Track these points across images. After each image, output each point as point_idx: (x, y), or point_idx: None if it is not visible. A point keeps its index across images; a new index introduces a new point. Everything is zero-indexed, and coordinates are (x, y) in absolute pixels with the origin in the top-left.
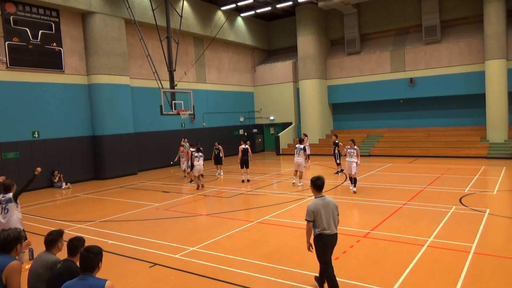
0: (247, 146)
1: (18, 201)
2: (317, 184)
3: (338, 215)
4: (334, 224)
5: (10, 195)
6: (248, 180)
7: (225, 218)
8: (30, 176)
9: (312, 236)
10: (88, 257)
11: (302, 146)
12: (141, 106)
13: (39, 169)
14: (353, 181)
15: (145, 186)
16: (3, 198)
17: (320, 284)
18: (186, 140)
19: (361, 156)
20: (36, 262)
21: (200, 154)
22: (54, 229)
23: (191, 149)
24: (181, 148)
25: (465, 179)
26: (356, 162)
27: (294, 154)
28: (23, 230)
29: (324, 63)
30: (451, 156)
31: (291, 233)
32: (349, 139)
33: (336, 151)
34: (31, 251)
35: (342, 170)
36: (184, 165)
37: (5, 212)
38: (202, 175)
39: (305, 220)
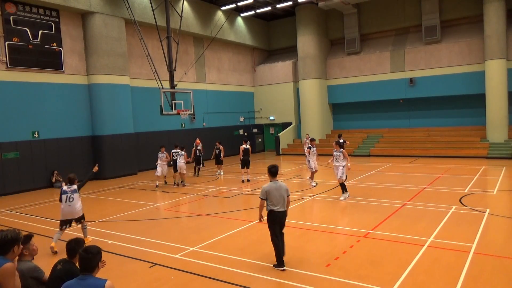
0: (248, 146)
1: (80, 192)
2: (272, 171)
3: (288, 196)
4: (283, 204)
5: (75, 186)
6: (248, 180)
7: (225, 218)
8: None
9: (266, 212)
10: (87, 258)
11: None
12: (141, 106)
13: (96, 168)
14: (343, 188)
15: (145, 186)
16: (69, 189)
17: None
18: (198, 141)
19: (361, 156)
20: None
21: (182, 152)
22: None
23: (173, 151)
24: (197, 141)
25: (465, 179)
26: (343, 166)
27: (304, 155)
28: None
29: (324, 63)
30: (451, 156)
31: (291, 233)
32: (308, 137)
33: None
34: None
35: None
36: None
37: (70, 200)
38: (183, 173)
39: (259, 198)
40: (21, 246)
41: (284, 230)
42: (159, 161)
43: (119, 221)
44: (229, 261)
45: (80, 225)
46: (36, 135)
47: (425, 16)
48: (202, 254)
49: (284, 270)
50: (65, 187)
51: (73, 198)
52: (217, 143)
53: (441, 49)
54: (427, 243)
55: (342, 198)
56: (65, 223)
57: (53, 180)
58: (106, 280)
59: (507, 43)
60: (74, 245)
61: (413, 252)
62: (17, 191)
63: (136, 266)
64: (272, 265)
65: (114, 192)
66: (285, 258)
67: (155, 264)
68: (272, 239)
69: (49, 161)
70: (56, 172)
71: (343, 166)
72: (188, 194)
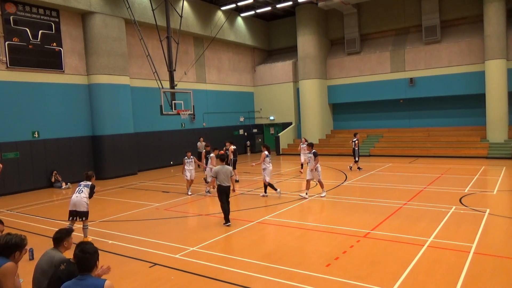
0: (235, 146)
1: (93, 191)
2: (221, 158)
3: (231, 176)
4: (228, 180)
5: (89, 183)
6: (237, 181)
7: None
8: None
9: (217, 187)
10: (84, 258)
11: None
12: (141, 106)
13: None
14: (321, 185)
15: (145, 186)
16: (83, 183)
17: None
18: (202, 139)
19: (360, 156)
20: (42, 257)
21: (190, 159)
22: (56, 229)
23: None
24: (230, 147)
25: (465, 179)
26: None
27: (299, 155)
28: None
29: (324, 63)
30: (451, 156)
31: (291, 233)
32: (305, 141)
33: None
34: (31, 251)
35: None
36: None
37: (79, 192)
38: (192, 180)
39: (211, 176)
40: (23, 253)
41: (284, 230)
42: (187, 167)
43: (119, 221)
44: (229, 261)
45: (81, 223)
46: (36, 135)
47: (425, 16)
48: (202, 254)
49: (229, 225)
50: (81, 183)
51: (82, 191)
52: (227, 144)
53: (441, 49)
54: (427, 243)
55: (303, 194)
56: (71, 215)
57: (53, 180)
58: (105, 280)
59: (507, 43)
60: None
61: (413, 252)
62: (17, 191)
63: (136, 266)
64: (222, 224)
65: (114, 192)
66: (285, 258)
67: (155, 264)
68: (221, 205)
69: (49, 161)
70: (55, 172)
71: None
72: (188, 194)
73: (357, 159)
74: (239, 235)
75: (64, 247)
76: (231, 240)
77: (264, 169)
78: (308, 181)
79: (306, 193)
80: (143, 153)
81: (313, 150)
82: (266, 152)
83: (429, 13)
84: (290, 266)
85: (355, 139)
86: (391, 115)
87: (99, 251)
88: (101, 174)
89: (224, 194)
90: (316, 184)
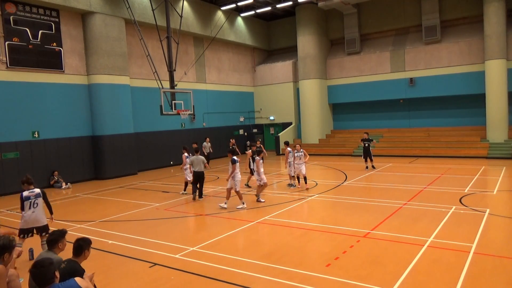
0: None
1: (47, 198)
2: (195, 149)
3: (204, 163)
4: (200, 167)
5: (37, 190)
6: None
7: (225, 218)
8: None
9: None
10: (37, 273)
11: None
12: (141, 106)
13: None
14: (305, 179)
15: (145, 186)
16: (31, 193)
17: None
18: (208, 139)
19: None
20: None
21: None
22: (55, 229)
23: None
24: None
25: (465, 179)
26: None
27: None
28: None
29: (324, 63)
30: (451, 156)
31: (291, 233)
32: (293, 143)
33: (370, 147)
34: (31, 252)
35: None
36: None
37: (34, 206)
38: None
39: (188, 164)
40: (12, 254)
41: (284, 230)
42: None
43: (119, 221)
44: (229, 261)
45: (42, 237)
46: (36, 135)
47: (425, 16)
48: (202, 254)
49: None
50: (29, 194)
51: (37, 204)
52: (233, 141)
53: (441, 49)
54: (427, 243)
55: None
56: (28, 232)
57: (52, 182)
58: (73, 278)
59: (507, 43)
60: (82, 244)
61: (413, 252)
62: (17, 191)
63: (136, 266)
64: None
65: (114, 192)
66: (285, 258)
67: (155, 264)
68: (192, 186)
69: (49, 161)
70: (56, 172)
71: (304, 163)
72: (188, 194)
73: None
74: (239, 235)
75: (59, 249)
76: (231, 240)
77: (233, 177)
78: (228, 190)
79: (225, 203)
80: (143, 153)
81: (233, 157)
82: (235, 158)
83: (429, 13)
84: (290, 266)
85: (370, 138)
86: (391, 115)
87: (99, 251)
88: (101, 174)
89: (197, 178)
90: (316, 184)
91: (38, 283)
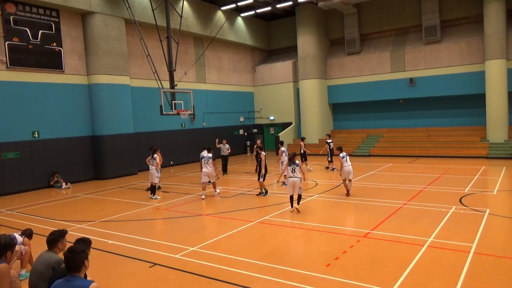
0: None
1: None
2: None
3: (209, 160)
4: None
5: (210, 155)
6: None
7: (225, 218)
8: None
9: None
10: (70, 257)
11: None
12: (141, 106)
13: None
14: (299, 198)
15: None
16: (206, 155)
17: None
18: (225, 142)
19: (361, 156)
20: (38, 261)
21: (209, 155)
22: (55, 229)
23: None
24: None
25: (465, 179)
26: (300, 179)
27: (299, 155)
28: None
29: (324, 63)
30: (451, 156)
31: (291, 233)
32: (288, 150)
33: (328, 150)
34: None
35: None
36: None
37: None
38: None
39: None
40: (14, 252)
41: (284, 230)
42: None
43: (119, 221)
44: (229, 261)
45: None
46: (36, 135)
47: (425, 16)
48: (202, 254)
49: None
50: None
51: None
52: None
53: (441, 49)
54: (427, 243)
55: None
56: None
57: (52, 183)
58: (92, 281)
59: (507, 43)
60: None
61: (413, 252)
62: (17, 191)
63: (136, 266)
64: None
65: (114, 192)
66: (285, 258)
67: (155, 264)
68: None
69: (49, 161)
70: (57, 173)
71: (300, 179)
72: (188, 194)
73: None
74: (239, 235)
75: (59, 249)
76: (231, 240)
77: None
78: (204, 183)
79: (204, 194)
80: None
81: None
82: (204, 153)
83: (429, 13)
84: (290, 266)
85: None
86: (391, 115)
87: (99, 251)
88: (101, 174)
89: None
90: (316, 184)
91: (68, 267)
